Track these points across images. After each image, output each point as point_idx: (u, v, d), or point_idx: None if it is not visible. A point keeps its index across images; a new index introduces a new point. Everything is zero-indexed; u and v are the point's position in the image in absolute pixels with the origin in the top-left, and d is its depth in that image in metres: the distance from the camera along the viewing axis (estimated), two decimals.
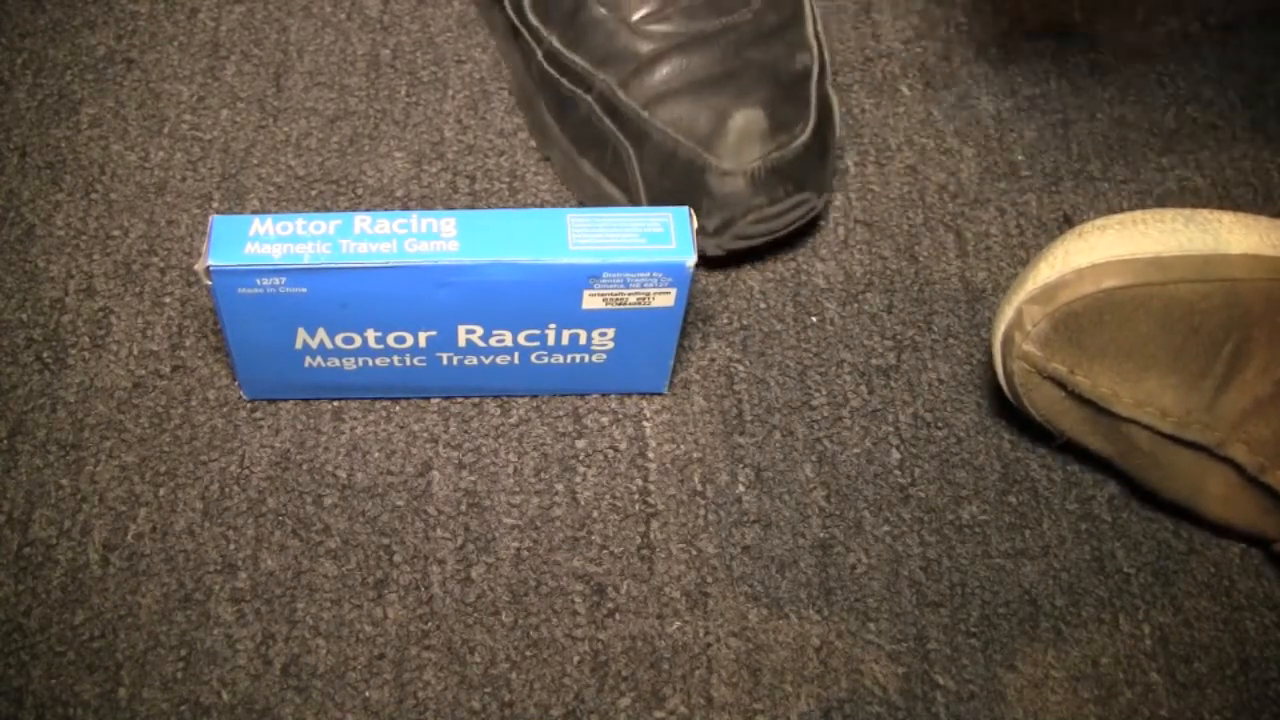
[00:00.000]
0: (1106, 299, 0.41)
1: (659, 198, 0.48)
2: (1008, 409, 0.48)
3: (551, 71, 0.50)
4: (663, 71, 0.48)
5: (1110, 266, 0.41)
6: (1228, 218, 0.42)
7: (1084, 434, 0.45)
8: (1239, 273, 0.42)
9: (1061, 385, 0.43)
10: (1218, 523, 0.45)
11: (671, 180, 0.47)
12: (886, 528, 0.45)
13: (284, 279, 0.41)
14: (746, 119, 0.46)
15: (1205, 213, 0.43)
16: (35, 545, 0.43)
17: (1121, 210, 0.54)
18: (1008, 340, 0.43)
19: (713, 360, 0.49)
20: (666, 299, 0.43)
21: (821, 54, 0.50)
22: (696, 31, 0.48)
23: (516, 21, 0.52)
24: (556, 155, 0.52)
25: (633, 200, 0.49)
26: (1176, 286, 0.41)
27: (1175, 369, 0.42)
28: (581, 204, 0.52)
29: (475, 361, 0.45)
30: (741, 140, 0.46)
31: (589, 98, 0.49)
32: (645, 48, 0.48)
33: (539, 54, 0.51)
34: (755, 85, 0.47)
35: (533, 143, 0.54)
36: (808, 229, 0.52)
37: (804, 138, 0.47)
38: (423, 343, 0.44)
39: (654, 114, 0.47)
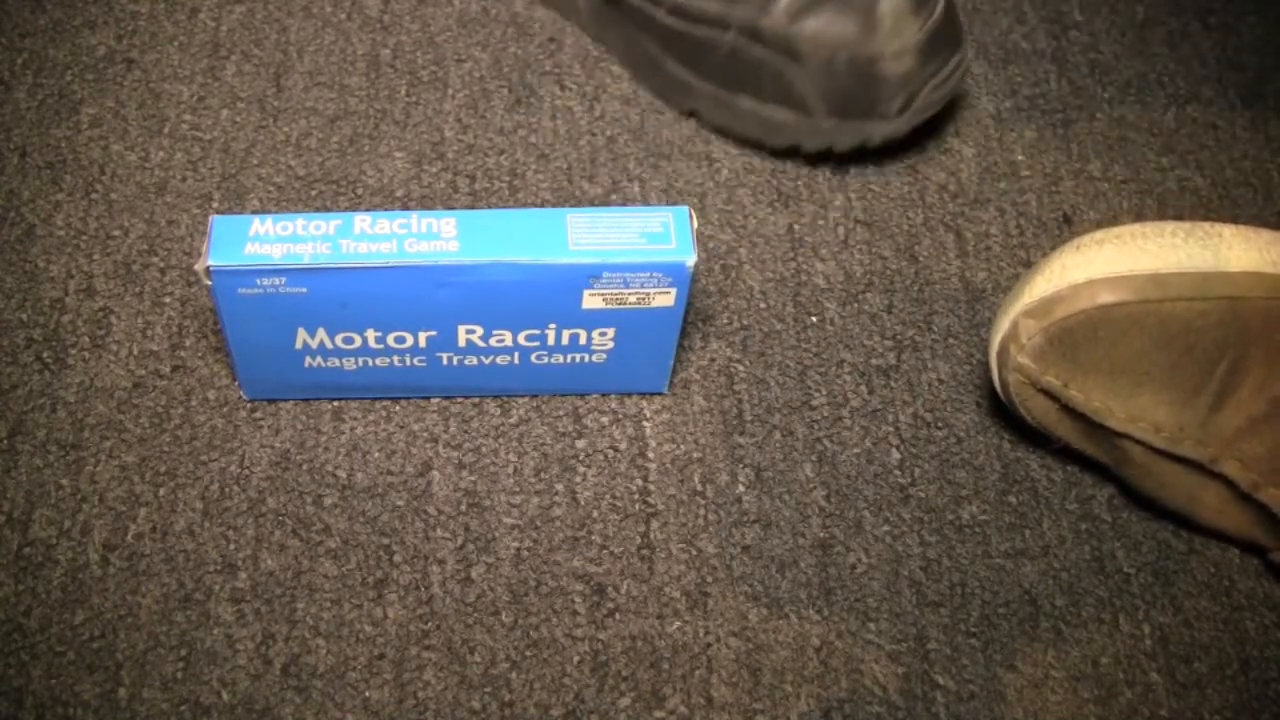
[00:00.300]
0: (1101, 315, 0.41)
1: (836, 101, 0.51)
2: (1007, 409, 0.48)
3: (680, 25, 0.53)
4: None
5: (1106, 282, 0.41)
6: (1228, 231, 0.42)
7: (1080, 443, 0.45)
8: (1239, 290, 0.41)
9: (1055, 398, 0.43)
10: (1213, 531, 0.45)
11: (843, 79, 0.50)
12: (886, 528, 0.45)
13: (284, 279, 0.41)
14: (893, 3, 0.50)
15: (1205, 226, 0.42)
16: (35, 545, 0.43)
17: (1121, 211, 0.54)
18: (1003, 351, 0.43)
19: (713, 360, 0.49)
20: (666, 299, 0.43)
21: None
22: None
23: None
24: (704, 104, 0.54)
25: (806, 112, 0.52)
26: (1173, 304, 0.41)
27: (1169, 385, 0.42)
28: (745, 141, 0.54)
29: (475, 361, 0.45)
30: (897, 23, 0.50)
31: (729, 35, 0.52)
32: None
33: (659, 15, 0.53)
34: None
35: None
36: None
37: (942, 3, 0.51)
38: (423, 343, 0.44)
39: (803, 27, 0.50)
